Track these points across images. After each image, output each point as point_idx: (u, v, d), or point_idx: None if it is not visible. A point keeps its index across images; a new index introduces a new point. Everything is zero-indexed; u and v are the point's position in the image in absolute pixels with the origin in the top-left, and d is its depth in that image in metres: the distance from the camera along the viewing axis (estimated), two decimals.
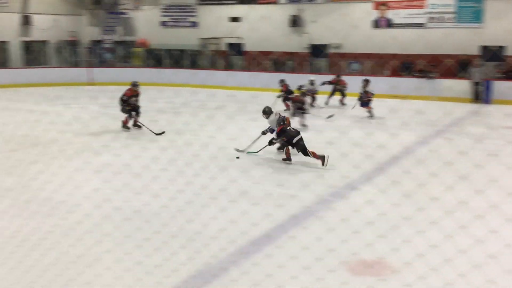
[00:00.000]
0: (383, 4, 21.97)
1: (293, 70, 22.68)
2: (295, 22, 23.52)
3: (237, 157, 9.77)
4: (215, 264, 5.31)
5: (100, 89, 21.77)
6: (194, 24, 26.22)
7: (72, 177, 8.32)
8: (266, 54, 23.22)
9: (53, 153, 10.23)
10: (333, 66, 22.01)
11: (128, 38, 26.91)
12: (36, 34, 25.84)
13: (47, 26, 26.22)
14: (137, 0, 26.77)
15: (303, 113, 13.16)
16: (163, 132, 12.04)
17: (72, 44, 27.18)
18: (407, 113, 15.70)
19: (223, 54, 25.28)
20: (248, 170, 8.92)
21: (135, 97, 13.00)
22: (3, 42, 24.88)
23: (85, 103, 17.61)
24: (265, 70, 22.71)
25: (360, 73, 20.63)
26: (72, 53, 26.87)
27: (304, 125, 12.98)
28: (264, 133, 10.05)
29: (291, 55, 23.28)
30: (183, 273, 5.05)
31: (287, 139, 9.50)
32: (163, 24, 26.91)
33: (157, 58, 25.40)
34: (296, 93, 14.98)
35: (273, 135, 9.87)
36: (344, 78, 17.79)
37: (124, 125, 12.91)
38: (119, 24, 27.34)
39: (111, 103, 16.62)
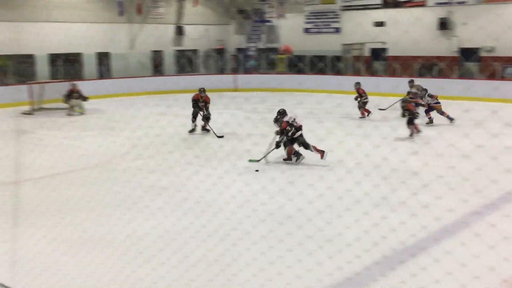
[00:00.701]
0: None
1: (440, 75, 21.66)
2: (444, 24, 22.46)
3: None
4: (360, 271, 5.22)
5: (245, 95, 22.54)
6: (337, 30, 26.16)
7: (223, 178, 8.69)
8: (411, 59, 22.44)
9: (206, 156, 10.78)
10: (485, 70, 20.65)
11: (271, 45, 27.62)
12: (187, 43, 27.56)
13: (198, 35, 27.82)
14: (282, 8, 27.35)
15: (412, 121, 12.53)
16: (222, 136, 12.96)
17: (219, 52, 28.55)
18: None
19: (366, 59, 24.90)
20: (388, 176, 8.66)
21: (202, 102, 13.84)
22: (159, 51, 26.80)
23: (232, 109, 18.34)
24: (410, 75, 21.95)
25: None
26: (218, 61, 28.24)
27: (411, 136, 12.43)
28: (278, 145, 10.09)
29: (438, 59, 22.25)
30: (318, 274, 5.03)
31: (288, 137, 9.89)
32: (306, 30, 27.19)
33: (300, 64, 25.73)
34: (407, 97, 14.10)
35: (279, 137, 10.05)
36: None
37: (203, 128, 13.88)
38: (263, 32, 28.19)
39: (255, 109, 17.15)
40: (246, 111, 17.54)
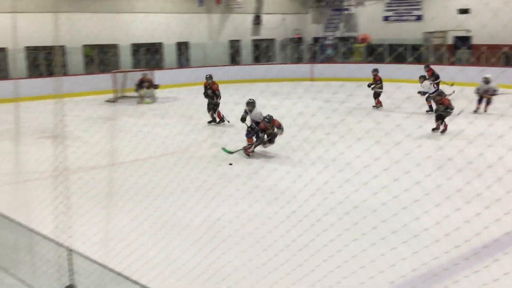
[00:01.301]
0: None
1: None
2: None
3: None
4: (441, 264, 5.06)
5: (321, 85, 22.34)
6: (418, 18, 25.30)
7: (295, 167, 8.68)
8: (498, 47, 21.33)
9: (280, 146, 10.81)
10: None
11: (349, 34, 27.16)
12: (264, 33, 27.66)
13: (275, 25, 27.85)
14: None
15: (444, 116, 11.94)
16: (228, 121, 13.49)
17: (296, 41, 28.45)
18: None
19: (449, 48, 23.94)
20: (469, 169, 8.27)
21: (209, 89, 14.01)
22: (237, 41, 27.09)
23: (308, 98, 18.24)
24: (495, 64, 20.88)
25: None
26: (295, 50, 28.15)
27: (443, 132, 11.87)
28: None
29: None
30: (401, 270, 4.92)
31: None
32: (386, 18, 26.50)
33: (378, 53, 25.16)
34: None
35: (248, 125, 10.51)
36: None
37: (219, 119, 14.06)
38: (341, 21, 27.76)
39: (330, 99, 16.96)
40: (321, 100, 17.40)
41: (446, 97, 12.28)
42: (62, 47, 19.85)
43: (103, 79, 20.21)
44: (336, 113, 13.79)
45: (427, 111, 14.62)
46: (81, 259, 3.28)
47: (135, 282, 2.91)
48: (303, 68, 25.30)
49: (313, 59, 26.93)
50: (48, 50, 20.88)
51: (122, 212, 6.93)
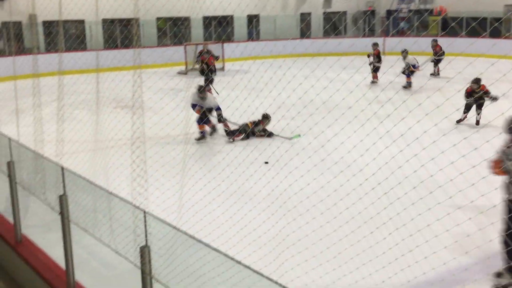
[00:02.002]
0: None
1: None
2: None
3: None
4: None
5: (393, 59, 21.84)
6: None
7: (363, 141, 8.64)
8: None
9: (348, 119, 10.76)
10: None
11: (425, 7, 26.25)
12: (336, 6, 27.22)
13: None
14: None
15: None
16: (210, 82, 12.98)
17: (368, 14, 27.82)
18: None
19: None
20: None
21: (205, 64, 14.17)
22: (308, 13, 26.85)
23: (379, 73, 17.91)
24: None
25: None
26: (367, 23, 27.56)
27: (478, 123, 11.21)
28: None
29: None
30: (466, 246, 4.88)
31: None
32: None
33: (453, 26, 24.21)
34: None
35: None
36: None
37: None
38: None
39: (401, 74, 16.59)
40: (392, 75, 17.04)
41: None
42: (137, 20, 20.41)
43: (175, 52, 20.69)
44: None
45: (403, 87, 15.11)
46: (155, 221, 3.50)
47: (206, 245, 3.10)
48: (375, 41, 24.74)
49: (386, 33, 26.28)
50: (124, 23, 21.56)
51: (193, 180, 7.21)
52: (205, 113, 10.49)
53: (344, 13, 27.72)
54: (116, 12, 19.55)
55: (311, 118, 11.01)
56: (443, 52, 17.47)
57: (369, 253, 5.14)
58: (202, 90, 10.65)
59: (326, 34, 27.09)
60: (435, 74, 17.88)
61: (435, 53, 16.55)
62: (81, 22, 20.94)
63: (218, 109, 10.54)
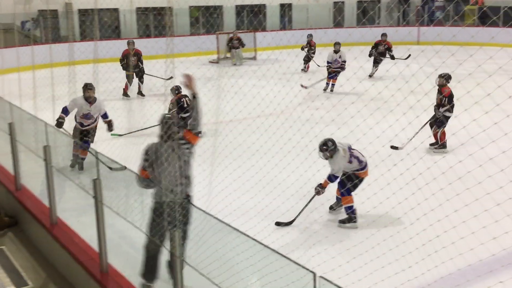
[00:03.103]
0: None
1: None
2: None
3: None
4: None
5: (428, 49, 21.49)
6: None
7: (398, 136, 8.60)
8: None
9: (383, 112, 10.69)
10: None
11: None
12: None
13: None
14: None
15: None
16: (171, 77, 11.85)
17: (403, 2, 27.40)
18: None
19: None
20: None
21: (134, 56, 13.56)
22: (341, 2, 26.60)
23: (414, 63, 17.64)
24: None
25: None
26: (402, 12, 27.16)
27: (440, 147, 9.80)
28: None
29: None
30: (504, 243, 4.81)
31: None
32: None
33: (491, 16, 23.67)
34: None
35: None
36: None
37: (124, 92, 13.65)
38: None
39: (441, 64, 16.31)
40: (428, 66, 16.79)
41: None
42: (170, 8, 20.60)
43: (207, 40, 20.79)
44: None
45: (324, 90, 14.84)
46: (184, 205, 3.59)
47: (235, 229, 3.17)
48: (409, 31, 24.38)
49: (421, 22, 25.85)
50: (158, 11, 21.75)
51: (221, 166, 7.30)
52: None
53: (379, 1, 27.36)
54: (150, 0, 19.79)
55: (341, 107, 10.98)
56: None
57: (401, 249, 5.09)
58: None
59: (359, 22, 26.81)
60: None
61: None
62: (115, 10, 21.21)
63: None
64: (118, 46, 17.74)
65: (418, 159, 7.07)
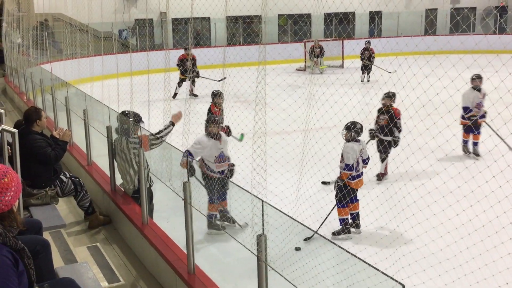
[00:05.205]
0: None
1: None
2: None
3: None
4: None
5: None
6: None
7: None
8: None
9: (448, 121, 10.27)
10: None
11: None
12: (464, 1, 25.90)
13: None
14: None
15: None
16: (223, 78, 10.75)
17: (500, 10, 26.14)
18: None
19: None
20: None
21: (192, 61, 13.87)
22: (434, 9, 25.80)
23: (507, 73, 16.80)
24: None
25: None
26: (498, 20, 25.91)
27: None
28: None
29: None
30: None
31: None
32: None
33: None
34: None
35: None
36: None
37: (191, 93, 14.00)
38: None
39: None
40: None
41: None
42: (259, 17, 20.96)
43: (295, 48, 20.88)
44: None
45: None
46: (272, 210, 3.62)
47: (321, 236, 3.17)
48: (505, 40, 23.18)
49: None
50: (247, 20, 22.15)
51: (307, 175, 7.29)
52: None
53: (473, 9, 26.28)
54: (241, 9, 20.17)
55: (429, 119, 10.63)
56: None
57: (491, 267, 4.87)
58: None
59: (452, 31, 25.87)
60: None
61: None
62: (207, 19, 21.84)
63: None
64: (210, 54, 18.28)
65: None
